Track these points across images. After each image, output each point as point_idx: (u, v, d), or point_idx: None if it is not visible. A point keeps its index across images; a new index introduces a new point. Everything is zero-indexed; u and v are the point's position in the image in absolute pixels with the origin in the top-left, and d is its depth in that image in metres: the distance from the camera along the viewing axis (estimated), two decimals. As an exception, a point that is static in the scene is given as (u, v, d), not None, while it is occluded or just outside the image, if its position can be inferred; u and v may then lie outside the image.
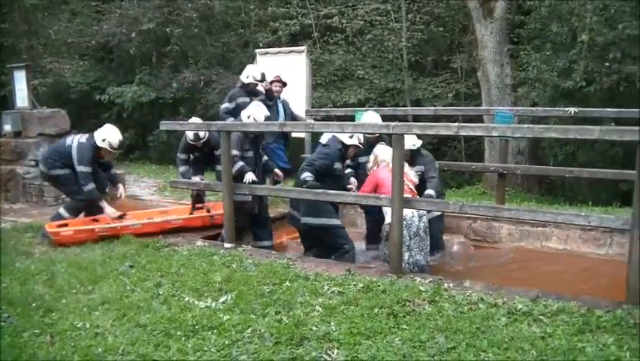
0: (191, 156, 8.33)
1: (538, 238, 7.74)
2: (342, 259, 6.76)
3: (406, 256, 6.56)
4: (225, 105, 9.16)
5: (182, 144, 8.26)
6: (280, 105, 9.60)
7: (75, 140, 7.81)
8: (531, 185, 14.08)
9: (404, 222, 6.28)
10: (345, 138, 7.18)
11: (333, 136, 7.29)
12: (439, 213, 7.36)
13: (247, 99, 8.88)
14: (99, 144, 7.71)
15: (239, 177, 7.17)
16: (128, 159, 17.74)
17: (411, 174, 6.98)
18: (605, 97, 11.90)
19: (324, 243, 7.14)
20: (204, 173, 8.66)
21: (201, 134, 7.95)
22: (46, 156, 8.05)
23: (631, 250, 4.68)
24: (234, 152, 7.27)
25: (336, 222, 7.16)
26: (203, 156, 8.34)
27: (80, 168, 7.59)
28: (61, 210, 7.89)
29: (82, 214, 7.92)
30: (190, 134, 7.98)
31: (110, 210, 7.74)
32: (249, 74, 9.13)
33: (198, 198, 8.52)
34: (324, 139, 7.40)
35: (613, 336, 4.04)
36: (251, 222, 7.72)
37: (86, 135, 7.90)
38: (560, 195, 14.17)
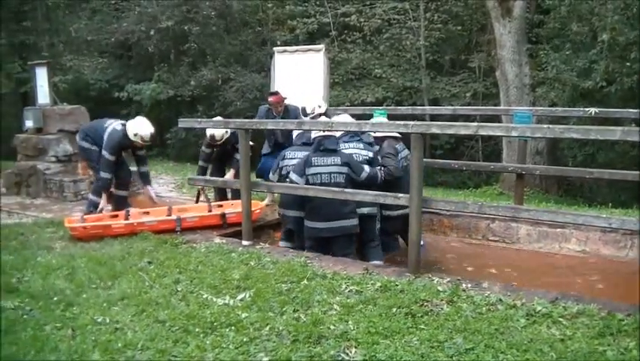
0: (214, 151, 8.59)
1: (557, 240, 7.68)
2: (376, 250, 6.75)
3: None
4: None
5: (206, 140, 8.55)
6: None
7: (111, 125, 8.09)
8: (549, 186, 13.98)
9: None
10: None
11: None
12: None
13: None
14: (131, 137, 7.93)
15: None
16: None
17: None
18: (626, 97, 11.80)
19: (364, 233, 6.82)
20: (224, 172, 8.79)
21: (217, 136, 8.16)
22: (83, 128, 8.66)
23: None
24: None
25: None
26: (224, 152, 8.50)
27: (104, 154, 7.88)
28: (90, 196, 8.25)
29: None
30: (207, 136, 8.28)
31: (103, 205, 7.94)
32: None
33: (220, 195, 8.76)
34: None
35: (634, 340, 4.00)
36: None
37: (121, 124, 8.13)
38: (578, 197, 14.09)
